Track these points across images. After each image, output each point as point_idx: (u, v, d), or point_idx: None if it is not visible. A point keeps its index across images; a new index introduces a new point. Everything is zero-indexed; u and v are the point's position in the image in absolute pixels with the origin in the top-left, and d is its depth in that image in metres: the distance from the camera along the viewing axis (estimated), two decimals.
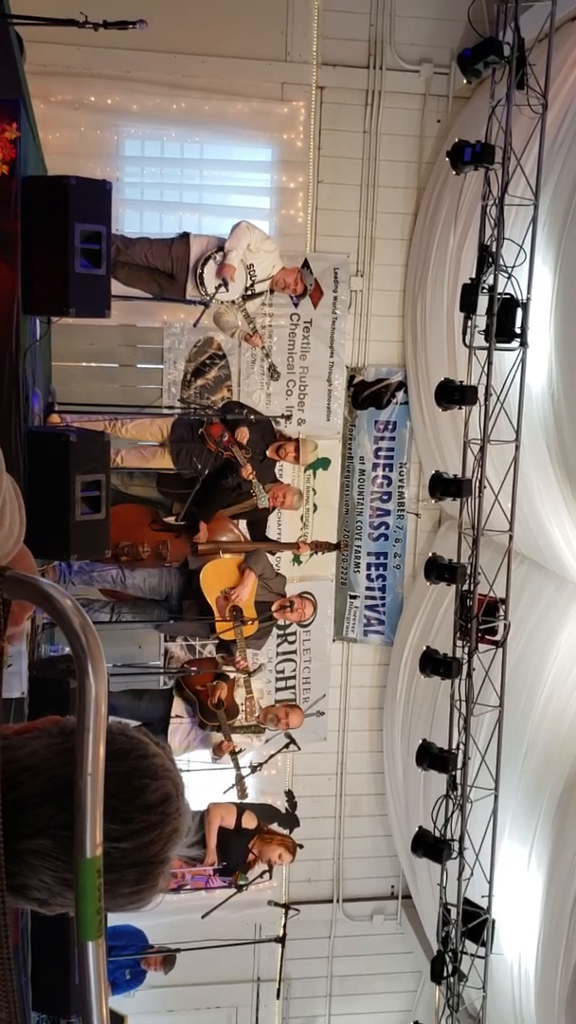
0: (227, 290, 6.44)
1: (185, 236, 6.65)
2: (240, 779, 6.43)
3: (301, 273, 6.84)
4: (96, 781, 1.18)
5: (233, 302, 6.64)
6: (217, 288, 6.37)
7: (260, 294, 6.78)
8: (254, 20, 7.69)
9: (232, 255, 6.39)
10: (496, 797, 6.00)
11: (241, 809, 6.49)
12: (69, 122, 7.45)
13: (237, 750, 6.43)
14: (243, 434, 6.26)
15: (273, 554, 6.93)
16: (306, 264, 7.94)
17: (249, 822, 6.47)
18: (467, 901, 6.07)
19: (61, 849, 1.23)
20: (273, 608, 6.40)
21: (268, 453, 6.53)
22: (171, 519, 6.62)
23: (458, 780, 6.06)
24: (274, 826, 6.80)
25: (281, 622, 6.98)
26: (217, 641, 6.53)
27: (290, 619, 6.59)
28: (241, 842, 6.34)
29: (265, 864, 6.33)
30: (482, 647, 5.99)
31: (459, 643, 6.08)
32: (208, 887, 6.44)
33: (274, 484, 6.61)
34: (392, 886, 9.30)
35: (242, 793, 6.48)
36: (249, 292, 6.66)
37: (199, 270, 6.52)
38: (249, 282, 6.62)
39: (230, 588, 6.23)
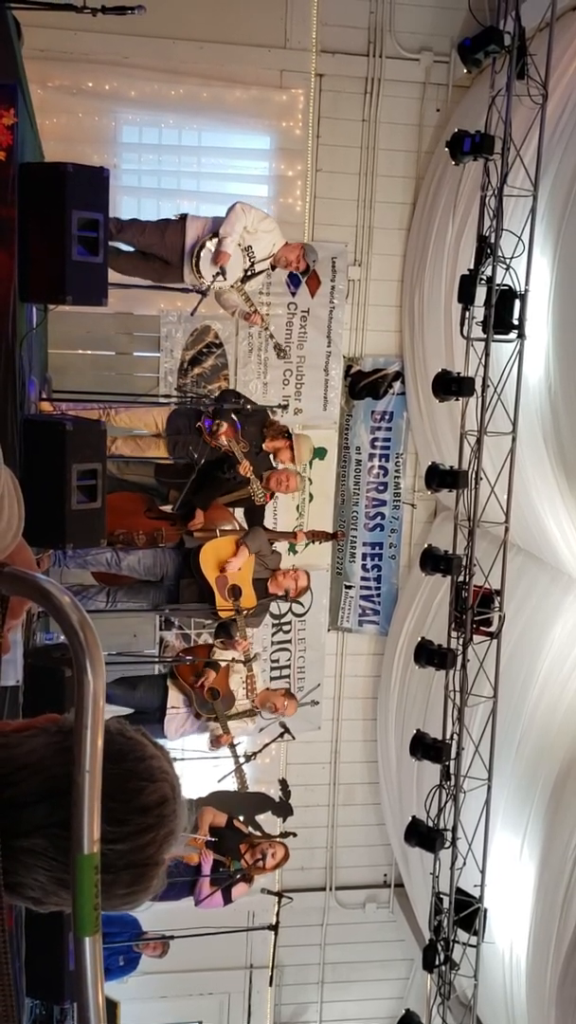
0: (224, 278, 6.32)
1: (182, 218, 6.43)
2: (239, 770, 6.44)
3: (304, 250, 6.54)
4: (94, 778, 1.18)
5: (232, 286, 6.52)
6: (215, 277, 6.26)
7: (261, 272, 6.55)
8: (253, 6, 7.64)
9: (227, 242, 6.15)
10: (489, 787, 6.03)
11: (231, 816, 6.52)
12: (67, 108, 7.40)
13: (235, 742, 6.42)
14: (228, 433, 6.11)
15: (271, 543, 6.90)
16: None
17: (240, 825, 6.51)
18: (459, 890, 6.10)
19: (56, 849, 1.23)
20: (269, 585, 6.38)
21: (265, 446, 6.46)
22: (167, 507, 6.58)
23: (451, 770, 6.08)
24: (267, 815, 6.82)
25: (275, 608, 6.94)
26: (215, 626, 6.50)
27: (291, 596, 6.58)
28: (233, 836, 6.36)
29: (259, 855, 6.33)
30: (477, 638, 6.00)
31: (454, 634, 6.09)
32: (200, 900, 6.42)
33: (271, 472, 6.54)
34: (385, 874, 9.35)
35: (242, 784, 6.47)
36: (249, 273, 6.50)
37: (195, 257, 6.39)
38: (248, 263, 6.46)
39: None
